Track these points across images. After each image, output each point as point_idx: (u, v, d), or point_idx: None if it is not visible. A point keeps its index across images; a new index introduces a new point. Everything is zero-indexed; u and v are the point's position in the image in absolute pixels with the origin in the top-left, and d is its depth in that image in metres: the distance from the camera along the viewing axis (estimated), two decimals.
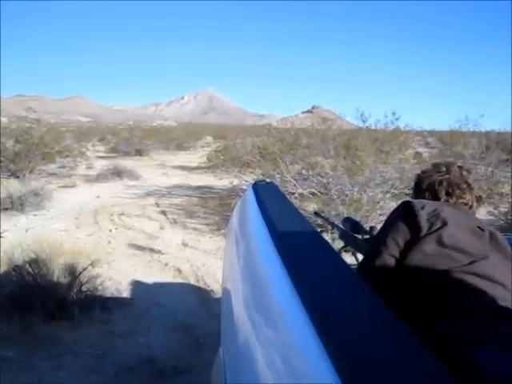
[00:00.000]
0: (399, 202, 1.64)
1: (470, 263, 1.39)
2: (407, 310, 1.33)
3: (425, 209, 1.48)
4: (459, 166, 1.73)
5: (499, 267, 1.41)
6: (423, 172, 1.78)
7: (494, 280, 1.36)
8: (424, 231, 1.44)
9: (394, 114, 8.53)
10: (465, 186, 1.66)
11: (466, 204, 1.65)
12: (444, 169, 1.70)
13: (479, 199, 1.69)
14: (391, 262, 1.49)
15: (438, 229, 1.43)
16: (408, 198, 1.70)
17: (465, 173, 1.70)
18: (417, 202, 1.54)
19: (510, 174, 9.73)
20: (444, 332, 1.25)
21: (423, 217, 1.46)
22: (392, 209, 1.64)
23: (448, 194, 1.64)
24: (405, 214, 1.51)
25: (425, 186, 1.70)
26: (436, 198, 1.65)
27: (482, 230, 1.47)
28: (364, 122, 8.52)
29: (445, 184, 1.65)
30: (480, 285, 1.36)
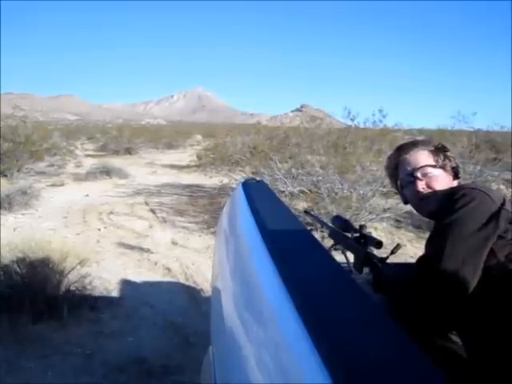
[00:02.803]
0: (459, 188, 1.39)
1: None
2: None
3: (506, 201, 1.31)
4: None
5: None
6: (442, 144, 1.67)
7: None
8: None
9: (380, 111, 8.54)
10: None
11: None
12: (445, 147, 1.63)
13: None
14: (475, 273, 1.27)
15: None
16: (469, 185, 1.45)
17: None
18: (491, 191, 1.35)
19: (497, 173, 9.81)
20: None
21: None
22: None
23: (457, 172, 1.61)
24: (488, 209, 1.30)
25: (452, 158, 1.61)
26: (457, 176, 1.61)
27: None
28: (352, 120, 8.53)
29: (454, 160, 1.61)
30: None
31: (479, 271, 1.27)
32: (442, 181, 1.57)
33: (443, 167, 1.59)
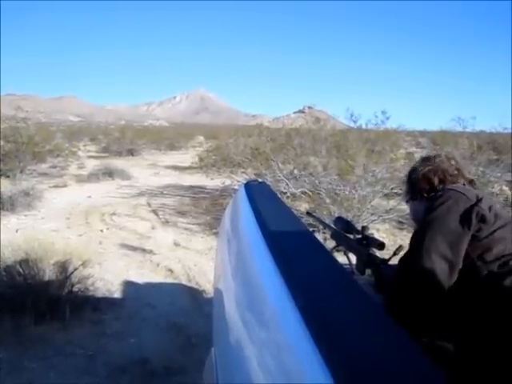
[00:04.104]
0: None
1: None
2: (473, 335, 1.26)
3: (482, 200, 1.40)
4: (446, 155, 1.78)
5: None
6: (415, 166, 1.80)
7: None
8: (491, 226, 1.36)
9: (384, 112, 8.52)
10: (456, 171, 1.68)
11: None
12: (433, 159, 1.73)
13: (472, 182, 1.72)
14: (450, 271, 1.35)
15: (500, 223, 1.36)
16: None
17: (453, 161, 1.73)
18: (467, 191, 1.46)
19: (500, 174, 9.80)
20: None
21: (486, 210, 1.38)
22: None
23: (441, 180, 1.65)
24: (463, 207, 1.39)
25: (420, 177, 1.71)
26: (431, 186, 1.66)
27: None
28: (355, 122, 8.53)
29: (439, 172, 1.67)
30: None
31: (457, 267, 1.34)
32: (413, 210, 1.78)
33: (410, 198, 1.80)
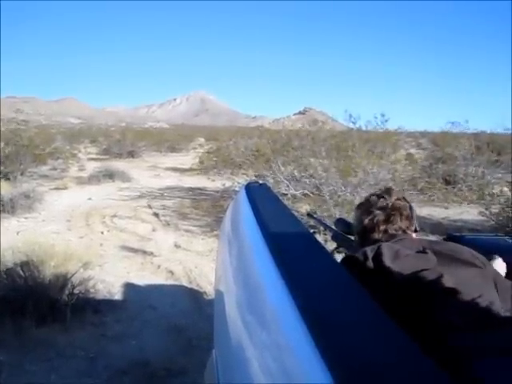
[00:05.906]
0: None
1: (427, 288, 1.31)
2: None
3: (368, 257, 1.44)
4: (378, 196, 1.67)
5: (457, 280, 1.33)
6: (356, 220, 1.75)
7: (458, 293, 1.29)
8: (374, 275, 1.40)
9: (383, 115, 8.56)
10: (390, 214, 1.62)
11: (400, 230, 1.61)
12: (366, 214, 1.66)
13: (410, 219, 1.64)
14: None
15: (385, 270, 1.37)
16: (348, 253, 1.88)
17: (385, 203, 1.64)
18: (359, 253, 1.50)
19: (500, 175, 9.80)
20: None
21: (370, 265, 1.41)
22: None
23: (385, 231, 1.60)
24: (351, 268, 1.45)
25: (360, 232, 1.68)
26: (369, 238, 1.63)
27: (425, 252, 1.41)
28: (354, 123, 8.54)
29: (369, 227, 1.62)
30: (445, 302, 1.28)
31: None
32: None
33: None
